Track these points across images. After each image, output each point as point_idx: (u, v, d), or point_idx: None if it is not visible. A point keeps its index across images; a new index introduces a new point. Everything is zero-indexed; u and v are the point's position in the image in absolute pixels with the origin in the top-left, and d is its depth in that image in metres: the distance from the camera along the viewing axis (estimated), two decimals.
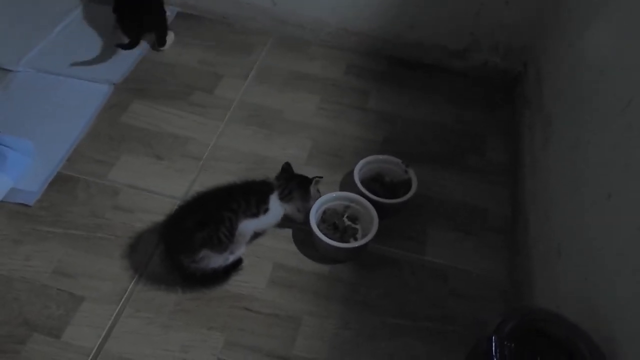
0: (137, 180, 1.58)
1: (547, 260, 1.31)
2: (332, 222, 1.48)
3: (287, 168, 1.50)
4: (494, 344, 0.97)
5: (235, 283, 1.39)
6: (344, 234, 1.47)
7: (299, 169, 1.54)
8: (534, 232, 1.43)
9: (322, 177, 1.51)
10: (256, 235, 1.45)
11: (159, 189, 1.57)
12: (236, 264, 1.38)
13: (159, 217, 1.49)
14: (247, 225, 1.37)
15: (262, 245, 1.47)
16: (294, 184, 1.45)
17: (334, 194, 1.51)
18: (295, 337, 1.31)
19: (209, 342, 1.28)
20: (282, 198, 1.43)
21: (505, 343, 0.96)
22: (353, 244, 1.43)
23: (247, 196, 1.38)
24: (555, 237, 1.29)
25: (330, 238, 1.40)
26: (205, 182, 1.57)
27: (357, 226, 1.51)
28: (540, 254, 1.36)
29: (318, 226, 1.43)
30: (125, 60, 1.91)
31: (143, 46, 1.96)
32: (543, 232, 1.38)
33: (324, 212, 1.50)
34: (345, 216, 1.52)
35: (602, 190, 1.09)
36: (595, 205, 1.12)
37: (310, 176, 1.50)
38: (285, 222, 1.49)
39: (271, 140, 1.73)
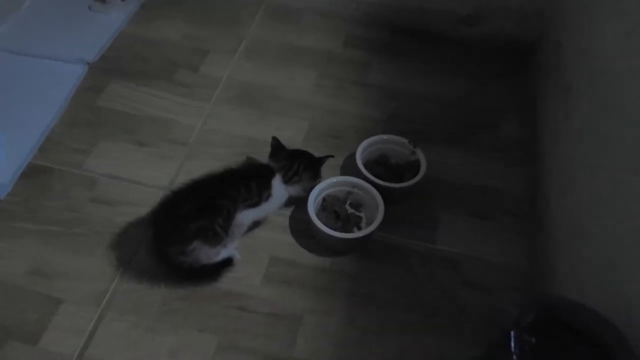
0: (117, 170, 1.57)
1: (569, 244, 1.30)
2: (333, 210, 1.47)
3: (277, 144, 1.48)
4: (512, 339, 0.97)
5: (228, 280, 1.38)
6: (347, 222, 1.46)
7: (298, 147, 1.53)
8: (555, 213, 1.42)
9: (333, 157, 1.50)
10: (253, 225, 1.44)
11: (141, 178, 1.56)
12: (227, 261, 1.38)
13: (143, 210, 1.48)
14: (247, 215, 1.36)
15: (257, 238, 1.46)
16: (301, 165, 1.44)
17: (334, 179, 1.50)
18: (295, 337, 1.30)
19: (200, 346, 1.28)
20: (288, 181, 1.42)
21: (525, 337, 0.96)
22: (357, 234, 1.42)
23: (247, 182, 1.36)
24: (578, 218, 1.28)
25: (331, 228, 1.40)
26: (192, 169, 1.55)
27: (361, 214, 1.50)
28: (562, 238, 1.35)
29: (317, 215, 1.42)
30: (100, 36, 1.89)
31: (118, 18, 1.95)
32: (565, 213, 1.36)
33: (324, 200, 1.49)
34: (348, 203, 1.51)
35: (630, 165, 1.08)
36: (622, 182, 1.10)
37: (310, 152, 1.50)
38: (281, 211, 1.48)
39: (264, 122, 1.72)
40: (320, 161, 1.48)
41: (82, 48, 1.86)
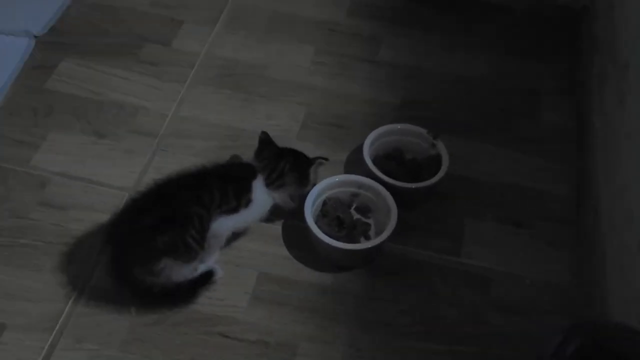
0: (71, 167, 1.59)
1: (623, 259, 1.31)
2: (336, 215, 1.49)
3: (266, 139, 1.50)
4: None
5: (208, 301, 1.40)
6: (352, 231, 1.48)
7: (290, 146, 1.54)
8: (606, 220, 1.44)
9: (327, 159, 1.52)
10: (235, 235, 1.46)
11: (100, 177, 1.58)
12: (206, 277, 1.39)
13: (103, 216, 1.50)
14: (224, 224, 1.38)
15: (243, 249, 1.48)
16: (287, 166, 1.46)
17: (336, 178, 1.51)
18: None
19: None
20: (270, 184, 1.44)
21: None
22: (364, 245, 1.44)
23: (223, 185, 1.38)
24: (635, 227, 1.30)
25: (333, 237, 1.41)
26: (162, 166, 1.58)
27: (369, 220, 1.52)
28: (615, 251, 1.36)
29: (317, 222, 1.44)
30: (50, 3, 1.91)
31: None
32: (618, 220, 1.38)
33: (324, 203, 1.51)
34: (353, 207, 1.53)
35: None
36: None
37: (305, 153, 1.51)
38: (274, 215, 1.50)
39: (251, 108, 1.73)
40: (309, 162, 1.49)
41: (28, 17, 1.87)
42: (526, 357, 1.33)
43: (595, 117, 1.66)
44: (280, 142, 1.53)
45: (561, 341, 1.01)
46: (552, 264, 1.50)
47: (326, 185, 1.50)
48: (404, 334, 1.39)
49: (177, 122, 1.70)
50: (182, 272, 1.34)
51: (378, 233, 1.45)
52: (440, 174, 1.52)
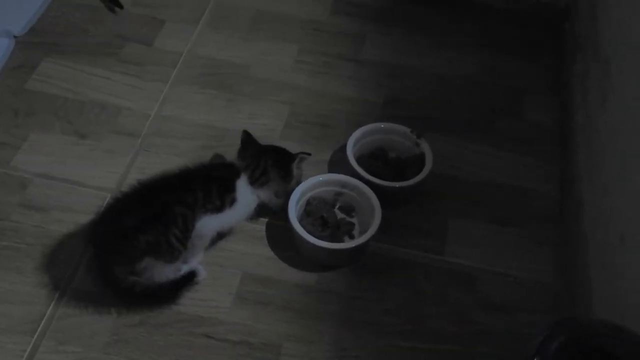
0: (52, 167, 1.59)
1: (606, 256, 1.32)
2: (320, 215, 1.49)
3: (248, 139, 1.51)
4: None
5: (192, 302, 1.40)
6: (336, 230, 1.49)
7: (274, 144, 1.55)
8: (589, 218, 1.46)
9: (309, 155, 1.52)
10: (218, 236, 1.46)
11: (82, 178, 1.57)
12: (189, 278, 1.40)
13: (84, 217, 1.49)
14: (208, 224, 1.38)
15: (226, 250, 1.48)
16: (269, 162, 1.47)
17: (320, 178, 1.52)
18: None
19: None
20: (254, 182, 1.45)
21: None
22: (348, 244, 1.44)
23: (206, 184, 1.39)
24: (617, 224, 1.31)
25: (316, 236, 1.42)
26: (145, 167, 1.58)
27: (353, 219, 1.53)
28: (598, 250, 1.38)
29: (301, 221, 1.45)
30: (30, 3, 1.90)
31: None
32: (602, 218, 1.39)
33: (308, 203, 1.51)
34: (337, 207, 1.54)
35: None
36: None
37: (289, 150, 1.52)
38: (258, 215, 1.50)
39: (235, 107, 1.74)
40: (292, 157, 1.49)
41: (8, 18, 1.86)
42: (511, 355, 1.34)
43: (579, 115, 1.67)
44: (264, 142, 1.53)
45: (544, 338, 1.02)
46: (536, 262, 1.52)
47: (310, 184, 1.50)
48: (389, 332, 1.39)
49: (160, 122, 1.70)
50: (165, 272, 1.34)
51: (362, 232, 1.46)
52: (424, 172, 1.53)
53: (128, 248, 1.31)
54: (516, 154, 1.70)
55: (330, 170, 1.62)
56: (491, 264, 1.51)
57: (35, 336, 1.34)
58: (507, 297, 1.46)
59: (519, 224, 1.58)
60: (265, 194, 1.47)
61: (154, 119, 1.70)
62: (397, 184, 1.52)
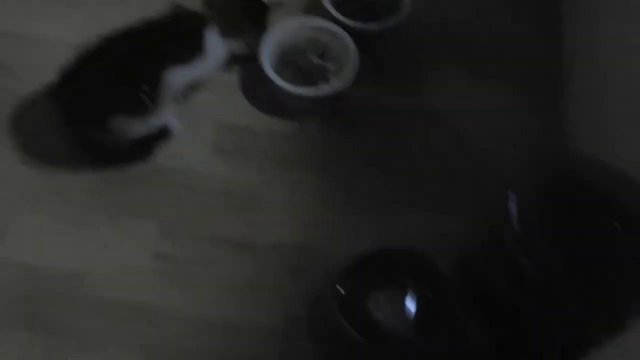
0: (6, 22, 1.53)
1: (590, 98, 1.31)
2: (294, 61, 1.47)
3: None
4: (513, 204, 1.00)
5: (168, 155, 1.39)
6: (311, 76, 1.46)
7: None
8: (569, 59, 1.45)
9: (281, 4, 1.47)
10: (191, 88, 1.43)
11: (42, 31, 1.52)
12: (163, 132, 1.37)
13: (48, 75, 1.43)
14: (178, 76, 1.35)
15: (200, 101, 1.46)
16: (241, 12, 1.42)
17: (294, 22, 1.47)
18: (256, 219, 1.34)
19: (139, 235, 1.31)
20: (225, 33, 1.40)
21: (529, 201, 0.99)
22: (324, 90, 1.42)
23: (174, 36, 1.35)
24: (599, 63, 1.29)
25: (293, 83, 1.39)
26: (108, 18, 1.46)
27: (329, 65, 1.49)
28: (579, 91, 1.36)
29: (275, 69, 1.42)
30: None
31: None
32: (583, 58, 1.39)
33: (282, 50, 1.47)
34: (313, 52, 1.50)
35: None
36: None
37: None
38: (230, 64, 1.47)
39: None
40: (265, 7, 1.44)
41: None
42: (488, 193, 1.34)
43: None
44: None
45: (527, 173, 1.02)
46: (518, 103, 1.51)
47: (284, 30, 1.46)
48: (369, 176, 1.40)
49: None
50: (138, 128, 1.32)
51: (339, 77, 1.43)
52: (402, 14, 1.49)
53: (96, 107, 1.28)
54: None
55: (305, 14, 1.57)
56: (471, 107, 1.50)
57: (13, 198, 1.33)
58: (487, 138, 1.46)
59: (497, 67, 1.56)
60: (236, 45, 1.42)
61: None
62: (374, 27, 1.48)
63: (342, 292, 1.14)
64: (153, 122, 1.35)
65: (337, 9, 1.49)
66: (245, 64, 1.49)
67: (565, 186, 1.04)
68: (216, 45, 1.39)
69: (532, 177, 1.07)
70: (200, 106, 1.45)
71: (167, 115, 1.38)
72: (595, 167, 1.06)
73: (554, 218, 1.00)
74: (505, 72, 1.56)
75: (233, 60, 1.47)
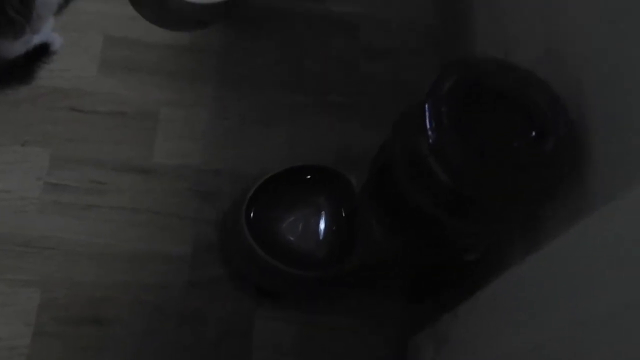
0: None
1: None
2: None
3: None
4: (427, 111, 0.96)
5: (51, 74, 1.29)
6: None
7: None
8: None
9: None
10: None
11: None
12: (43, 49, 1.27)
13: None
14: None
15: (82, 12, 1.35)
16: None
17: None
18: (153, 139, 1.27)
19: (27, 163, 1.22)
20: None
21: (443, 108, 0.96)
22: None
23: None
24: None
25: None
26: None
27: None
28: None
29: None
30: None
31: None
32: None
33: None
34: None
35: None
36: None
37: None
38: None
39: None
40: None
41: None
42: (399, 98, 1.31)
43: None
44: None
45: (435, 80, 0.98)
46: (419, 4, 1.47)
47: None
48: (272, 87, 1.36)
49: None
50: (14, 48, 1.22)
51: None
52: None
53: None
54: None
55: None
56: (373, 10, 1.46)
57: None
58: (391, 42, 1.43)
59: None
60: None
61: None
62: None
63: (252, 214, 1.08)
64: (30, 40, 1.23)
65: None
66: None
67: (476, 90, 1.01)
68: None
69: (440, 82, 1.02)
70: (85, 17, 1.35)
71: (46, 31, 1.26)
72: (503, 68, 1.04)
73: (466, 124, 0.97)
74: None
75: None
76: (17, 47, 1.22)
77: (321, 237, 1.09)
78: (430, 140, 0.95)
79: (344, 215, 1.11)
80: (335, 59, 1.40)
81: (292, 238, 1.09)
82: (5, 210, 1.17)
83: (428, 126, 0.95)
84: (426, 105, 0.96)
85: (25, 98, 1.26)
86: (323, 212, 1.11)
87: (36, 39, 1.25)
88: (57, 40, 1.28)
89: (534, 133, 0.94)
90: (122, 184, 1.22)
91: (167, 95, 1.31)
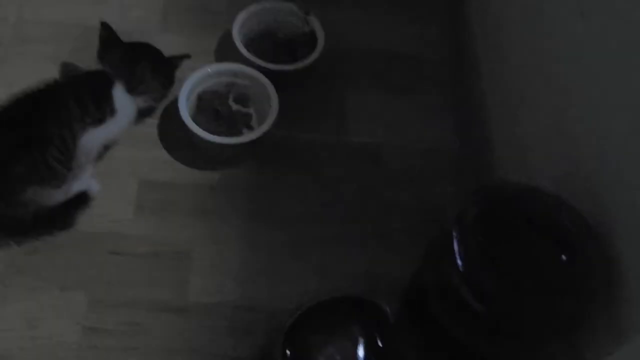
0: None
1: (508, 117, 1.31)
2: (213, 109, 1.42)
3: (108, 35, 1.37)
4: (455, 240, 0.98)
5: (90, 219, 1.31)
6: (232, 123, 1.42)
7: (153, 39, 1.43)
8: (485, 75, 1.43)
9: (189, 57, 1.42)
10: (105, 147, 1.37)
11: None
12: (82, 197, 1.30)
13: None
14: (92, 138, 1.29)
15: (118, 158, 1.39)
16: (147, 70, 1.36)
17: (208, 69, 1.43)
18: (187, 277, 1.28)
19: (66, 307, 1.23)
20: (132, 91, 1.35)
21: (471, 236, 0.97)
22: (247, 136, 1.38)
23: (80, 97, 1.28)
24: (515, 80, 1.29)
25: (212, 132, 1.35)
26: (12, 78, 1.41)
27: (249, 109, 1.46)
28: (498, 109, 1.36)
29: (194, 118, 1.36)
30: None
31: None
32: (496, 73, 1.38)
33: (199, 98, 1.43)
34: (231, 98, 1.46)
35: (573, 6, 1.07)
36: (566, 28, 1.10)
37: (161, 49, 1.41)
38: (141, 118, 1.42)
39: (103, 1, 1.60)
40: (173, 64, 1.40)
41: None
42: (425, 227, 1.32)
43: None
44: (142, 37, 1.42)
45: (461, 210, 1.00)
46: (438, 129, 1.50)
47: (199, 78, 1.41)
48: (300, 219, 1.37)
49: (23, 26, 1.55)
50: (54, 196, 1.25)
51: (260, 122, 1.40)
52: (317, 51, 1.47)
53: (7, 181, 1.20)
54: (405, 20, 1.66)
55: (218, 60, 1.54)
56: (393, 137, 1.49)
57: None
58: (414, 168, 1.45)
59: (416, 92, 1.56)
60: (145, 100, 1.39)
61: (16, 23, 1.55)
62: (290, 67, 1.45)
63: (289, 352, 1.08)
64: (69, 188, 1.27)
65: (249, 49, 1.46)
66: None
67: (503, 216, 1.02)
68: (125, 103, 1.34)
69: (467, 209, 1.04)
70: (120, 163, 1.39)
71: (84, 179, 1.31)
72: (528, 193, 1.05)
73: (496, 251, 0.98)
74: (422, 90, 1.56)
75: (144, 113, 1.43)
76: (58, 195, 1.25)
77: None
78: (460, 270, 0.97)
79: (380, 345, 1.10)
80: (359, 187, 1.41)
81: None
82: (45, 357, 1.17)
83: (457, 255, 0.97)
84: (454, 234, 0.98)
85: (64, 243, 1.28)
86: (360, 343, 1.10)
87: (75, 186, 1.28)
88: (94, 187, 1.32)
89: (564, 257, 0.95)
90: (158, 324, 1.21)
91: (199, 233, 1.32)
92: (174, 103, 1.37)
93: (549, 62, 1.16)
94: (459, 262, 0.97)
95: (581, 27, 1.05)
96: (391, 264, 1.30)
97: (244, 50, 1.45)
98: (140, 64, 1.35)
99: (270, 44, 1.53)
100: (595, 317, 0.93)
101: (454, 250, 0.97)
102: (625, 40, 0.93)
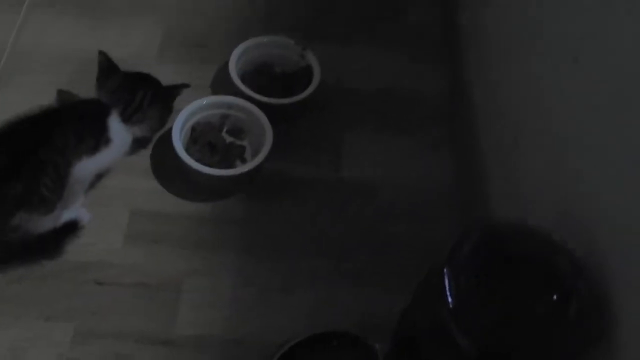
0: None
1: (502, 156, 1.31)
2: (207, 141, 1.42)
3: (106, 64, 1.38)
4: (446, 277, 0.97)
5: (78, 248, 1.31)
6: (226, 155, 1.42)
7: (150, 69, 1.44)
8: (481, 117, 1.43)
9: (188, 86, 1.43)
10: (97, 176, 1.37)
11: None
12: (71, 226, 1.30)
13: None
14: (85, 167, 1.29)
15: (109, 187, 1.39)
16: (145, 100, 1.36)
17: (203, 101, 1.44)
18: (176, 310, 1.26)
19: (51, 338, 1.22)
20: (127, 120, 1.35)
21: (462, 274, 0.96)
22: (240, 169, 1.38)
23: (75, 126, 1.29)
24: (509, 122, 1.29)
25: (206, 164, 1.35)
26: (8, 105, 1.39)
27: (244, 142, 1.46)
28: (493, 148, 1.36)
29: (187, 149, 1.37)
30: None
31: None
32: (493, 116, 1.38)
33: (193, 129, 1.43)
34: (225, 130, 1.46)
35: (568, 51, 1.08)
36: (558, 71, 1.10)
37: (158, 79, 1.42)
38: (135, 148, 1.42)
39: (102, 31, 1.62)
40: (172, 93, 1.41)
41: None
42: (419, 262, 1.31)
43: (463, 11, 1.63)
44: (139, 68, 1.43)
45: (453, 247, 0.99)
46: (433, 166, 1.50)
47: (193, 109, 1.42)
48: (293, 253, 1.36)
49: (19, 55, 1.57)
50: (42, 224, 1.25)
51: (254, 154, 1.40)
52: (313, 85, 1.48)
53: None
54: (402, 58, 1.67)
55: (214, 92, 1.55)
56: (389, 174, 1.49)
57: None
58: (409, 206, 1.44)
59: (412, 130, 1.56)
60: (140, 130, 1.39)
61: (12, 52, 1.57)
62: (286, 100, 1.46)
63: None
64: (59, 216, 1.27)
65: (245, 82, 1.47)
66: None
67: (495, 255, 1.01)
68: (120, 133, 1.35)
69: (458, 248, 1.03)
70: (110, 192, 1.39)
71: (75, 208, 1.31)
72: (521, 231, 1.05)
73: (487, 290, 0.97)
74: (418, 129, 1.55)
75: (140, 144, 1.43)
76: (47, 223, 1.25)
77: None
78: (450, 307, 0.95)
79: None
80: (353, 223, 1.40)
81: None
82: None
83: (448, 292, 0.96)
84: (445, 271, 0.97)
85: (51, 272, 1.28)
86: None
87: (65, 215, 1.28)
88: (85, 216, 1.32)
89: (555, 297, 0.94)
90: (145, 356, 1.20)
91: (190, 266, 1.31)
92: (168, 133, 1.37)
93: (543, 103, 1.16)
94: (449, 299, 0.95)
95: (574, 71, 1.05)
96: (383, 300, 1.28)
97: (239, 83, 1.46)
98: (139, 92, 1.36)
99: (267, 78, 1.54)
100: (586, 357, 0.91)
101: (444, 287, 0.96)
102: (617, 86, 0.93)
